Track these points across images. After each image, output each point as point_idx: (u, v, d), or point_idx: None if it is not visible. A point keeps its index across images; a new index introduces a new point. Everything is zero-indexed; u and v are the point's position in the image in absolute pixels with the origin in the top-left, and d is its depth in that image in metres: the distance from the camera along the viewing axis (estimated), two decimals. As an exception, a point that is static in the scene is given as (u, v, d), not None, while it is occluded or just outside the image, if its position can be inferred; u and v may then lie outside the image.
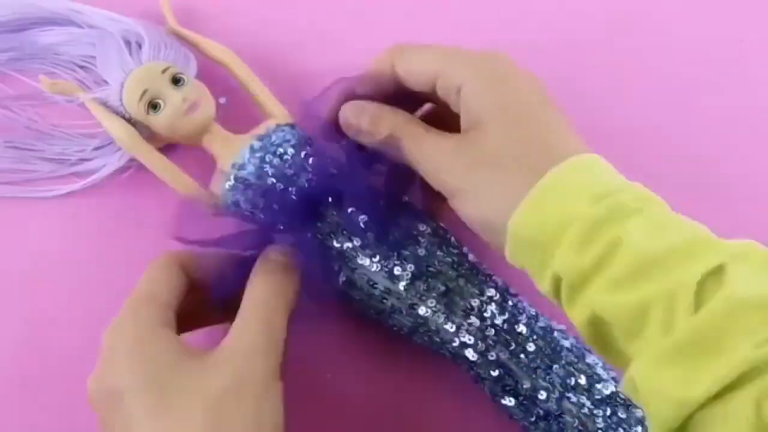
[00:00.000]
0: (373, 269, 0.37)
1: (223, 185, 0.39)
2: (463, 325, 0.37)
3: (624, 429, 0.36)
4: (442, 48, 0.35)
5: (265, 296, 0.34)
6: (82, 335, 0.38)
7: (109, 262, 0.41)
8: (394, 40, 0.47)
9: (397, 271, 0.37)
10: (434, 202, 0.38)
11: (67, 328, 0.40)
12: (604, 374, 0.37)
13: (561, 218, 0.29)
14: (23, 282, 0.41)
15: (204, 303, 0.35)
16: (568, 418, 0.36)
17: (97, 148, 0.42)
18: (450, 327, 0.37)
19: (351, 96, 0.37)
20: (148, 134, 0.41)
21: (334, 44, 0.47)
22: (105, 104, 0.41)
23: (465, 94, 0.33)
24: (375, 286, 0.37)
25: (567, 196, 0.30)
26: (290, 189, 0.37)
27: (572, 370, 0.37)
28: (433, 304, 0.37)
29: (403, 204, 0.39)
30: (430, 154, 0.34)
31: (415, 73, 0.35)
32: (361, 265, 0.37)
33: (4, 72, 0.44)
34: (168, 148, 0.42)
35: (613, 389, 0.37)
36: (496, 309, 0.37)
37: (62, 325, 0.40)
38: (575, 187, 0.30)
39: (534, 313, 0.38)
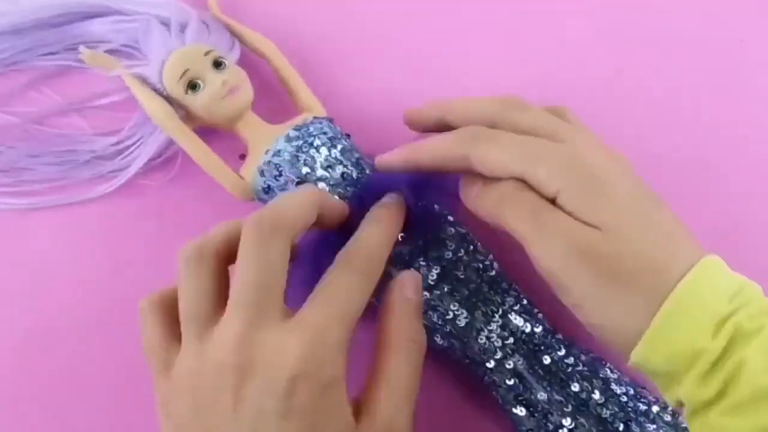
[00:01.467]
0: (398, 268, 0.37)
1: (255, 170, 0.39)
2: (483, 330, 0.37)
3: None
4: (521, 143, 0.33)
5: (409, 371, 0.33)
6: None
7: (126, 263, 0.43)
8: (434, 35, 0.48)
9: (422, 271, 0.37)
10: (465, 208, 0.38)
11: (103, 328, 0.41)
12: (618, 389, 0.38)
13: (686, 354, 0.29)
14: (30, 285, 0.42)
15: None
16: None
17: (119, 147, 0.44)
18: (470, 331, 0.37)
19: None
20: (182, 115, 0.41)
21: (374, 37, 0.49)
22: (144, 81, 0.42)
23: (568, 203, 0.32)
24: None
25: (689, 329, 0.29)
26: (325, 179, 0.38)
27: (587, 384, 0.37)
28: (456, 308, 0.37)
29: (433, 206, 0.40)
30: (556, 247, 0.31)
31: (494, 169, 0.33)
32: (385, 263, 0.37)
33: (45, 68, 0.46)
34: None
35: (625, 400, 0.38)
36: (517, 318, 0.38)
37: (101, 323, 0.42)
38: (696, 316, 0.30)
39: (552, 328, 0.39)
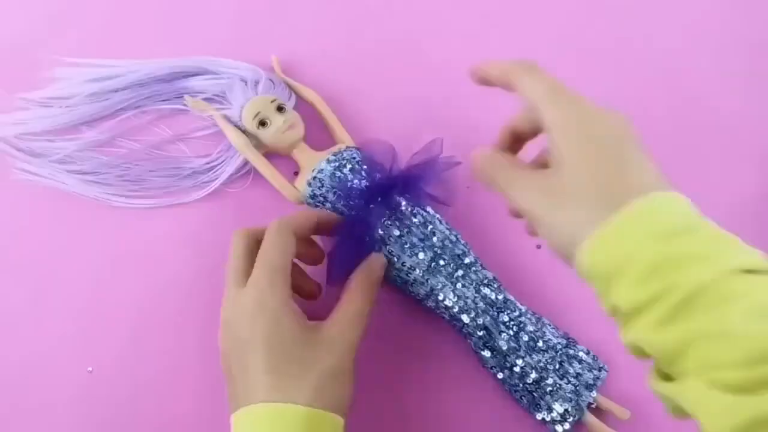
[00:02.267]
0: (405, 252, 0.50)
1: (305, 182, 0.52)
2: (462, 296, 0.50)
3: (566, 375, 0.49)
4: (548, 83, 0.37)
5: (363, 306, 0.46)
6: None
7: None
8: (442, 85, 0.59)
9: (420, 255, 0.50)
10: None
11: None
12: (555, 340, 0.50)
13: (624, 257, 0.30)
14: (145, 263, 0.54)
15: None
16: (528, 369, 0.49)
17: (210, 165, 0.57)
18: (453, 297, 0.50)
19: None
20: (255, 143, 0.54)
21: (392, 89, 0.60)
22: (228, 119, 0.55)
23: (553, 136, 0.36)
24: (404, 263, 0.50)
25: (632, 236, 0.30)
26: (354, 187, 0.51)
27: (533, 335, 0.50)
28: (443, 280, 0.50)
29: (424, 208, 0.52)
30: (519, 189, 0.37)
31: (522, 97, 0.38)
32: (397, 247, 0.50)
33: (161, 111, 0.58)
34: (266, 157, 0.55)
35: (560, 348, 0.50)
36: (487, 290, 0.51)
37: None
38: (641, 227, 0.31)
39: (512, 297, 0.52)
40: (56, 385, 0.52)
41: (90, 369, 0.52)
